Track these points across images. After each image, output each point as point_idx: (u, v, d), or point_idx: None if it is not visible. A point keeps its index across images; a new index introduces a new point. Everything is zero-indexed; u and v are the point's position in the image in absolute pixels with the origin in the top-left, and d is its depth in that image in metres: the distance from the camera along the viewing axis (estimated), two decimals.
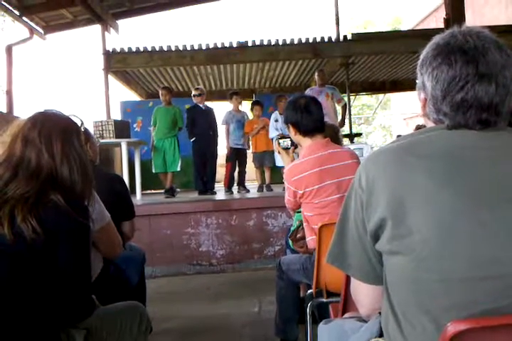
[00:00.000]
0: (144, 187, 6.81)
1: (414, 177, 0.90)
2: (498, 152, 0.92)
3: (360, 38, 8.56)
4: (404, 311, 0.92)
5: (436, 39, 1.00)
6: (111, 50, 8.48)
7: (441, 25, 7.54)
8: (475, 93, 0.93)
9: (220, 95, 12.49)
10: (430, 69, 0.98)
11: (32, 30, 7.58)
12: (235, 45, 8.50)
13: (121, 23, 9.08)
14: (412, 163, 0.92)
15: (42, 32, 8.03)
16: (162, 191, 6.84)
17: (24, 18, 7.31)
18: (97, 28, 8.48)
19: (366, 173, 0.97)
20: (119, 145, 5.87)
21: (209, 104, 7.39)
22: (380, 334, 1.01)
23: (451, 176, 0.89)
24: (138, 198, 6.00)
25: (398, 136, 6.95)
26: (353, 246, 1.02)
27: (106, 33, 8.53)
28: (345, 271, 1.09)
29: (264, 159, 6.75)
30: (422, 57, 1.01)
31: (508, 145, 0.95)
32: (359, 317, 1.18)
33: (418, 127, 5.90)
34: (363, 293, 1.08)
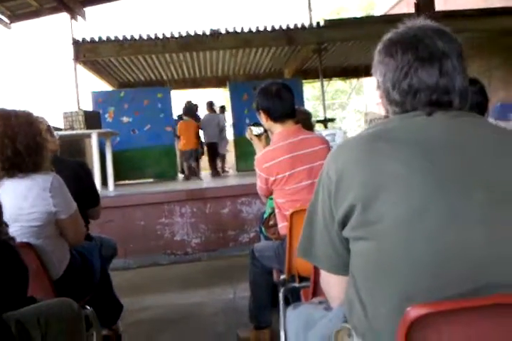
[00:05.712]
0: (117, 178, 6.73)
1: (384, 163, 0.91)
2: (464, 137, 0.93)
3: (332, 24, 8.56)
4: (370, 296, 0.91)
5: (382, 39, 1.04)
6: (80, 40, 8.28)
7: (413, 10, 7.59)
8: (419, 77, 0.96)
9: (194, 83, 12.39)
10: (378, 65, 1.02)
11: None
12: (207, 33, 8.39)
13: (89, 10, 8.88)
14: (382, 149, 0.93)
15: (7, 21, 7.79)
16: (136, 181, 6.80)
17: None
18: (64, 16, 8.26)
19: (335, 163, 0.97)
20: (90, 136, 5.76)
21: (182, 92, 7.38)
22: (346, 321, 1.00)
23: (419, 161, 0.90)
24: (111, 189, 5.92)
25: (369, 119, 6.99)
26: (321, 238, 1.02)
27: (73, 21, 8.33)
28: (314, 263, 1.11)
29: None
30: (373, 58, 1.05)
31: (474, 130, 0.96)
32: (326, 301, 1.18)
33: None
34: (333, 285, 1.08)
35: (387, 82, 1.00)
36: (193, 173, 8.40)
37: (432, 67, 0.95)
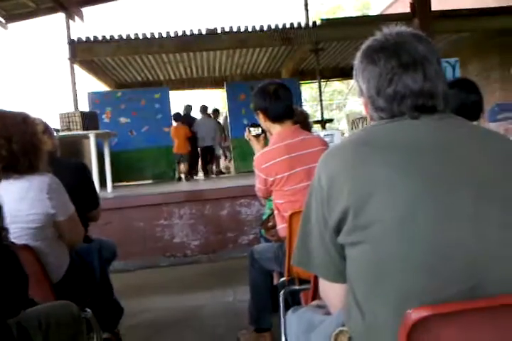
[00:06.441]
0: (115, 180, 6.72)
1: (373, 167, 0.92)
2: (449, 138, 0.95)
3: (329, 24, 8.57)
4: (368, 300, 0.92)
5: (362, 47, 1.05)
6: (76, 40, 8.25)
7: (408, 10, 7.59)
8: (404, 83, 0.97)
9: (191, 83, 12.37)
10: (361, 73, 1.03)
11: None
12: (204, 33, 8.38)
13: (86, 10, 8.86)
14: (369, 154, 0.94)
15: (3, 21, 7.76)
16: (134, 183, 6.80)
17: None
18: (61, 16, 8.24)
19: (325, 171, 0.98)
20: (87, 137, 5.74)
21: (180, 92, 7.42)
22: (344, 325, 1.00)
23: (406, 164, 0.91)
24: (109, 191, 5.90)
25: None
26: (316, 245, 1.02)
27: (70, 21, 8.31)
28: (310, 271, 1.10)
29: None
30: (354, 67, 1.06)
31: (458, 131, 0.98)
32: (326, 305, 1.18)
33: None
34: (331, 293, 1.07)
35: (372, 89, 1.01)
36: (186, 176, 8.63)
37: (416, 73, 0.97)
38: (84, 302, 1.98)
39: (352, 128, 6.74)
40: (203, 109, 9.67)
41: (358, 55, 1.05)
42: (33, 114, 1.95)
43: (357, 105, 24.90)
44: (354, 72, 1.06)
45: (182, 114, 9.22)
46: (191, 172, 9.16)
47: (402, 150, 0.93)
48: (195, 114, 9.90)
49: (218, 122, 10.14)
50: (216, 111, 10.32)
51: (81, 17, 8.65)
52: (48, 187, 1.77)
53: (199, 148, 9.59)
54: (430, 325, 0.83)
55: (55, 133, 2.43)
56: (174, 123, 8.78)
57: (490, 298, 0.83)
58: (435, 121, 0.97)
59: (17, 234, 1.72)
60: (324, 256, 1.01)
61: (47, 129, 2.25)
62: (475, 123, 2.01)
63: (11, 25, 8.00)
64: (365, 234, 0.90)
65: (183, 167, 8.71)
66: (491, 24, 8.46)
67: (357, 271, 0.94)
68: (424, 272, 0.86)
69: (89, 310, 1.94)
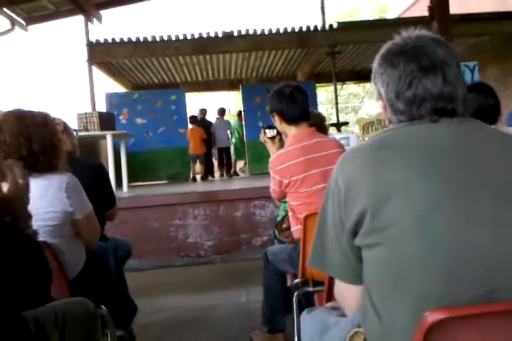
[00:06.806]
0: (131, 180, 6.78)
1: (391, 169, 0.92)
2: (468, 141, 0.95)
3: (345, 27, 8.56)
4: (385, 302, 0.91)
5: (381, 50, 1.06)
6: (94, 41, 8.36)
7: (426, 14, 7.54)
8: (423, 86, 0.97)
9: (207, 86, 12.43)
10: (380, 77, 1.03)
11: (13, 22, 7.44)
12: (220, 35, 8.42)
13: (105, 13, 8.97)
14: (388, 156, 0.94)
15: (24, 23, 7.88)
16: (149, 183, 6.86)
17: (5, 9, 7.17)
18: (79, 18, 8.35)
19: (343, 173, 0.98)
20: (104, 137, 5.80)
21: (195, 95, 7.51)
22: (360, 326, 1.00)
23: (426, 166, 0.91)
24: (125, 190, 5.96)
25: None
26: (332, 247, 1.02)
27: (89, 23, 8.42)
28: (326, 273, 1.11)
29: None
30: (372, 70, 1.06)
31: (477, 135, 0.97)
32: (340, 306, 1.18)
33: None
34: (347, 294, 1.07)
35: (391, 93, 1.01)
36: (202, 177, 8.85)
37: (436, 76, 0.97)
38: (99, 300, 2.00)
39: (363, 133, 6.71)
40: (221, 112, 9.88)
41: (377, 58, 1.05)
42: (53, 114, 1.98)
43: (373, 108, 24.76)
44: (372, 76, 1.06)
45: (198, 117, 9.40)
46: (207, 173, 9.28)
47: (421, 153, 0.93)
48: (212, 115, 10.10)
49: (229, 123, 10.31)
50: (223, 111, 10.40)
51: (99, 19, 8.76)
52: (67, 185, 1.79)
53: (216, 149, 9.73)
54: (447, 328, 0.82)
55: (74, 134, 2.46)
56: (190, 126, 8.94)
57: (507, 302, 0.83)
58: (455, 125, 0.97)
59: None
60: (341, 257, 1.01)
61: (66, 129, 2.29)
62: (493, 127, 2.00)
63: (31, 28, 8.12)
64: (382, 236, 0.90)
65: (198, 167, 8.82)
66: (511, 28, 8.34)
67: (374, 273, 0.94)
68: (443, 275, 0.85)
69: (104, 307, 1.96)
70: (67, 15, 8.33)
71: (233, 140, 10.29)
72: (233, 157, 10.52)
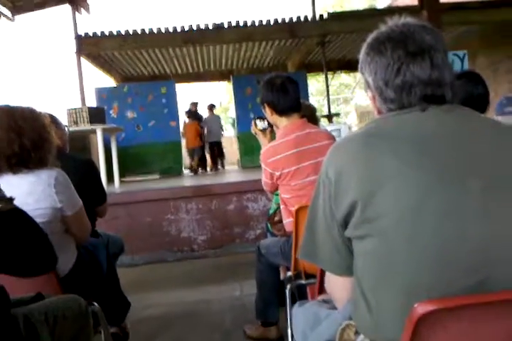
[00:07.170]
0: (122, 175, 6.74)
1: (381, 160, 0.91)
2: (459, 129, 0.94)
3: (336, 17, 8.52)
4: (375, 294, 0.91)
5: (367, 40, 1.04)
6: (83, 34, 8.26)
7: (416, 3, 7.51)
8: (412, 72, 0.96)
9: (197, 77, 12.36)
10: (367, 66, 1.02)
11: None
12: (210, 27, 8.36)
13: (93, 2, 8.85)
14: (378, 146, 0.93)
15: (9, 13, 7.74)
16: (141, 178, 6.85)
17: None
18: (67, 8, 8.24)
19: (333, 164, 0.97)
20: (94, 132, 5.74)
21: (186, 85, 7.53)
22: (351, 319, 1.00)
23: (416, 156, 0.90)
24: (116, 186, 5.92)
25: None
26: (323, 239, 1.02)
27: (77, 13, 8.31)
28: (318, 265, 1.10)
29: None
30: (360, 60, 1.05)
31: (467, 122, 0.97)
32: (331, 299, 1.18)
33: None
34: (337, 286, 1.07)
35: (379, 81, 1.00)
36: (195, 169, 9.02)
37: (424, 61, 0.96)
38: (91, 297, 1.99)
39: (360, 122, 6.73)
40: (210, 107, 10.12)
41: (364, 47, 1.04)
42: (40, 108, 1.95)
43: (364, 99, 24.76)
44: (360, 66, 1.05)
45: (191, 110, 9.50)
46: (202, 166, 9.41)
47: (411, 142, 0.92)
48: (202, 110, 10.30)
49: (219, 117, 10.58)
50: (212, 107, 10.63)
51: (87, 9, 8.64)
52: (56, 181, 1.77)
53: (208, 143, 9.88)
54: (437, 319, 0.82)
55: (66, 130, 2.43)
56: (186, 120, 9.10)
57: (497, 293, 0.83)
58: (444, 112, 0.96)
59: None
60: (331, 249, 1.01)
61: (54, 121, 2.25)
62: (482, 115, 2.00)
63: (18, 17, 7.97)
64: (373, 227, 0.89)
65: (196, 160, 9.06)
66: (500, 16, 8.35)
67: (364, 265, 0.94)
68: (433, 266, 0.85)
69: (96, 304, 1.95)
70: (53, 5, 8.20)
71: None
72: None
